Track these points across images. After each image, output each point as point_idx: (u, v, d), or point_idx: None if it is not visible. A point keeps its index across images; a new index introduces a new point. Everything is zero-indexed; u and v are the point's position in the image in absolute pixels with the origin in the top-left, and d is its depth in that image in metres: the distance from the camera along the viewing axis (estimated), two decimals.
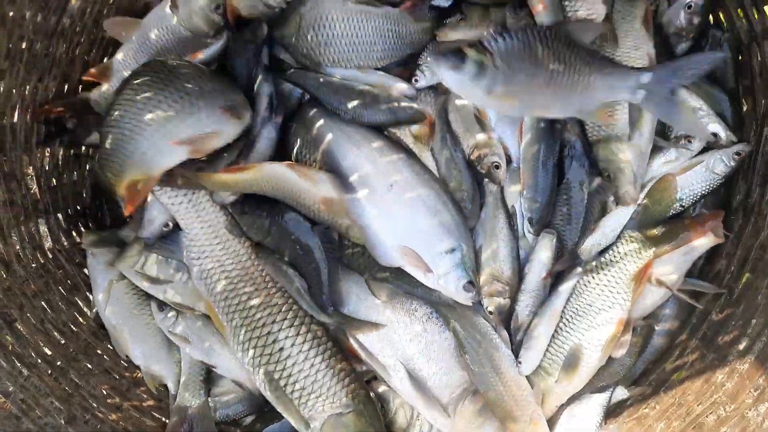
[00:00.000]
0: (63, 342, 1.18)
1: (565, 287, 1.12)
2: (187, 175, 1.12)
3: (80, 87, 1.25)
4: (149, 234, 1.22)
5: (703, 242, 1.07)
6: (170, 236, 1.22)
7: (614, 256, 1.09)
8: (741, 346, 1.00)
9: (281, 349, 1.11)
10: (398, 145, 1.19)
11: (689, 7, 1.10)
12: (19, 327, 1.11)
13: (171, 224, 1.22)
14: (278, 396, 1.10)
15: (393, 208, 1.12)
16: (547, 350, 1.11)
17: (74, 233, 1.31)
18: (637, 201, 1.08)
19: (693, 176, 1.11)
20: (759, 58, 1.03)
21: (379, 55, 1.19)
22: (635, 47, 1.08)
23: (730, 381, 0.99)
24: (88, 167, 1.34)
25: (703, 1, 1.10)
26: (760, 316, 0.99)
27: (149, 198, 1.19)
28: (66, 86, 1.23)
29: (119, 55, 1.20)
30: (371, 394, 1.15)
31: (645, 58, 1.07)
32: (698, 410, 1.01)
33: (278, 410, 1.12)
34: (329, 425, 1.07)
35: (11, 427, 1.00)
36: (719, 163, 1.09)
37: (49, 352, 1.14)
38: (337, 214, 1.14)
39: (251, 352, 1.12)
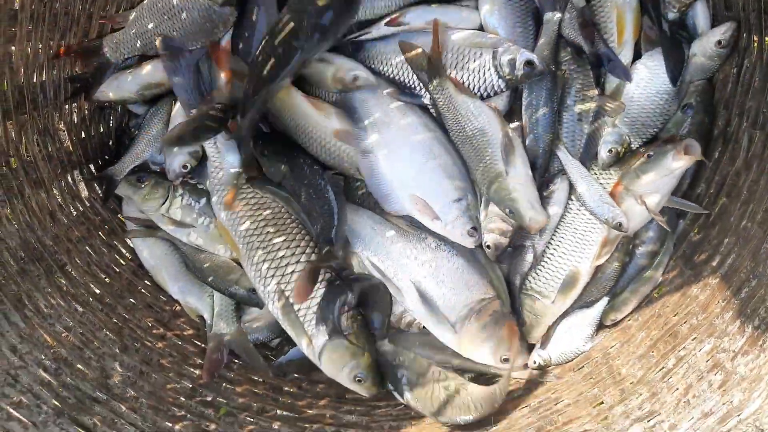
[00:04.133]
0: (108, 281, 1.31)
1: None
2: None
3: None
4: (173, 176, 1.32)
5: (679, 162, 1.12)
6: (196, 169, 1.33)
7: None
8: (714, 263, 1.13)
9: (293, 272, 1.24)
10: (406, 94, 1.26)
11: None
12: (69, 270, 1.23)
13: (189, 165, 1.32)
14: (286, 312, 1.23)
15: (403, 154, 1.21)
16: (539, 275, 1.24)
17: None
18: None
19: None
20: None
21: None
22: None
23: (703, 294, 1.12)
24: (112, 118, 1.42)
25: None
26: (731, 235, 1.11)
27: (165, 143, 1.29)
28: (86, 42, 1.28)
29: (141, 5, 1.25)
30: None
31: None
32: (674, 320, 1.15)
33: (283, 326, 1.25)
34: (331, 343, 1.22)
35: (76, 356, 1.14)
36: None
37: (97, 291, 1.27)
38: (350, 143, 1.23)
39: (264, 267, 1.24)
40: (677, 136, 1.18)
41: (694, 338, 1.09)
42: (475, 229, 1.21)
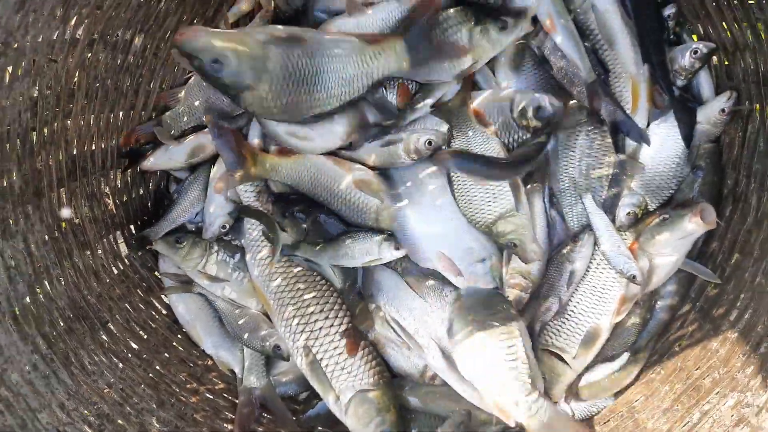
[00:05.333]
0: (145, 337, 1.37)
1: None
2: (249, 150, 1.29)
3: (142, 113, 1.42)
4: (211, 235, 1.40)
5: (694, 227, 1.17)
6: (233, 227, 1.41)
7: None
8: (732, 318, 1.16)
9: (321, 328, 1.29)
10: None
11: (695, 52, 1.23)
12: (111, 327, 1.29)
13: (228, 226, 1.40)
14: (314, 368, 1.28)
15: (431, 212, 1.29)
16: (561, 331, 1.27)
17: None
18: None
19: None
20: (742, 65, 1.17)
21: None
22: None
23: (723, 348, 1.16)
24: (151, 183, 1.52)
25: (708, 50, 1.22)
26: (747, 291, 1.15)
27: (208, 202, 1.39)
28: (131, 113, 1.39)
29: (188, 84, 1.37)
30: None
31: None
32: (696, 374, 1.18)
33: (310, 381, 1.30)
34: (357, 398, 1.26)
35: (117, 412, 1.19)
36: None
37: (135, 347, 1.32)
38: (371, 189, 1.29)
39: (294, 323, 1.30)
40: (692, 200, 1.24)
41: (717, 392, 1.12)
42: (497, 290, 1.27)
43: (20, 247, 1.11)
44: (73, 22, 1.10)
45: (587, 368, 1.30)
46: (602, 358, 1.30)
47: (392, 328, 1.34)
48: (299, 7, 1.33)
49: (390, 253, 1.27)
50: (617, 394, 1.31)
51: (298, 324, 1.31)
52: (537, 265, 1.30)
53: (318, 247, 1.31)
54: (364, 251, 1.28)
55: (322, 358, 1.28)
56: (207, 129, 1.36)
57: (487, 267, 1.27)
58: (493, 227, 1.25)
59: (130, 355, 1.30)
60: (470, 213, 1.27)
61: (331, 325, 1.31)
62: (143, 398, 1.26)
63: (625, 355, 1.30)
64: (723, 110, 1.22)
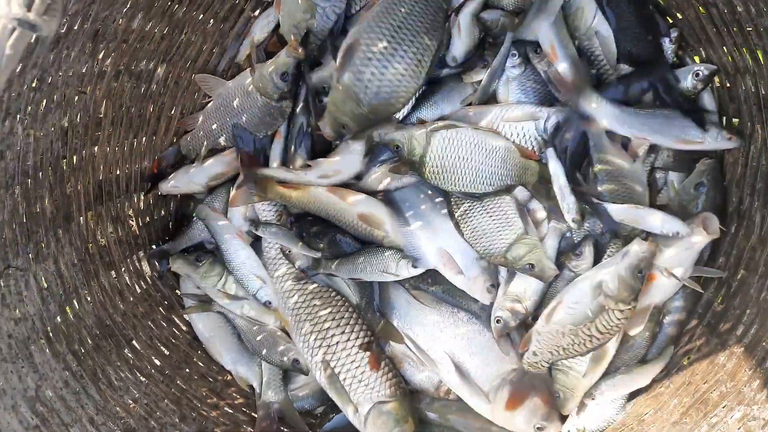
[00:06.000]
0: (168, 354, 1.42)
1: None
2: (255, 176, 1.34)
3: (164, 138, 1.48)
4: None
5: (699, 238, 1.21)
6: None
7: None
8: (738, 332, 1.19)
9: (337, 343, 1.34)
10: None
11: (697, 74, 1.25)
12: (135, 344, 1.35)
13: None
14: (332, 381, 1.32)
15: (439, 235, 1.32)
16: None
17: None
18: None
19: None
20: (744, 88, 1.21)
21: None
22: None
23: (730, 362, 1.18)
24: (172, 204, 1.57)
25: (709, 72, 1.24)
26: (752, 306, 1.17)
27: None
28: (153, 139, 1.45)
29: (206, 109, 1.43)
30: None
31: None
32: (704, 388, 1.20)
33: (329, 394, 1.34)
34: (376, 410, 1.30)
35: (143, 426, 1.24)
36: None
37: (158, 363, 1.37)
38: (374, 225, 1.33)
39: (311, 339, 1.35)
40: (694, 213, 1.27)
41: (725, 406, 1.14)
42: (494, 287, 1.30)
43: (51, 269, 1.16)
44: (101, 55, 1.17)
45: (598, 382, 1.32)
46: (613, 371, 1.32)
47: (405, 343, 1.38)
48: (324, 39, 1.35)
49: (407, 271, 1.29)
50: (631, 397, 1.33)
51: (315, 339, 1.36)
52: (533, 299, 1.31)
53: (335, 263, 1.35)
54: (381, 267, 1.31)
55: (339, 372, 1.33)
56: (226, 152, 1.42)
57: (485, 264, 1.30)
58: (507, 255, 1.26)
59: (153, 371, 1.35)
60: (484, 246, 1.28)
61: (348, 340, 1.35)
62: (167, 413, 1.30)
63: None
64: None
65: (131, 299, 1.38)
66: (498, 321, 1.29)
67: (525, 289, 1.31)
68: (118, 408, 1.20)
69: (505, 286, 1.32)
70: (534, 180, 1.29)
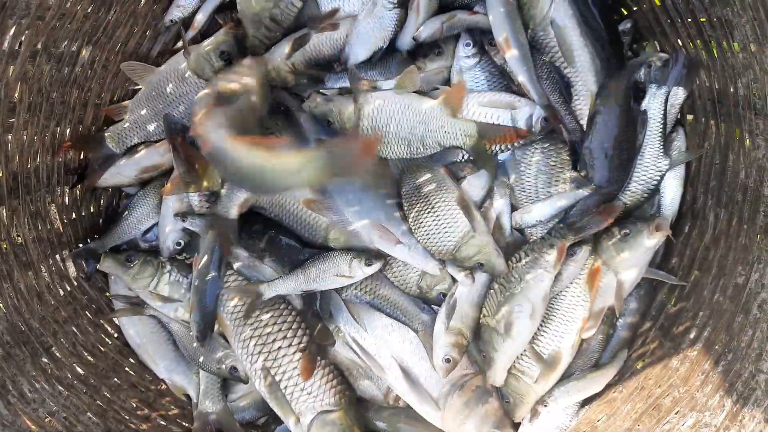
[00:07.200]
0: (93, 362, 1.30)
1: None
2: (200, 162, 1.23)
3: (93, 128, 1.37)
4: (166, 253, 1.35)
5: (653, 240, 1.17)
6: (188, 244, 1.36)
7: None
8: (692, 336, 1.15)
9: (279, 348, 1.26)
10: None
11: (650, 65, 1.22)
12: (55, 352, 1.23)
13: (183, 243, 1.35)
14: (272, 390, 1.24)
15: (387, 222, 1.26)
16: (522, 354, 1.24)
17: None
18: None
19: None
20: (698, 82, 1.18)
21: None
22: None
23: (683, 366, 1.14)
24: (103, 199, 1.46)
25: (661, 63, 1.21)
26: (706, 308, 1.14)
27: (161, 218, 1.34)
28: (80, 128, 1.34)
29: (135, 98, 1.32)
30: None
31: None
32: (657, 392, 1.17)
33: (270, 403, 1.26)
34: (319, 420, 1.23)
35: None
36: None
37: (82, 372, 1.26)
38: (318, 211, 1.27)
39: (251, 344, 1.26)
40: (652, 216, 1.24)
41: (677, 412, 1.10)
42: (449, 361, 1.23)
43: None
44: (11, 32, 1.05)
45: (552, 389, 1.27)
46: (567, 375, 1.28)
47: (352, 348, 1.30)
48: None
49: (361, 271, 1.24)
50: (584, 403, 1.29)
51: (255, 345, 1.27)
52: (471, 321, 1.27)
53: (287, 277, 1.27)
54: (334, 272, 1.24)
55: (281, 380, 1.25)
56: (158, 143, 1.31)
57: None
58: (456, 254, 1.23)
59: (75, 381, 1.24)
60: (431, 245, 1.25)
61: (290, 345, 1.27)
62: (88, 426, 1.19)
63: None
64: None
65: (52, 302, 1.27)
66: (448, 360, 1.23)
67: (462, 317, 1.26)
68: (30, 423, 1.09)
69: (446, 320, 1.25)
70: (473, 143, 1.25)
